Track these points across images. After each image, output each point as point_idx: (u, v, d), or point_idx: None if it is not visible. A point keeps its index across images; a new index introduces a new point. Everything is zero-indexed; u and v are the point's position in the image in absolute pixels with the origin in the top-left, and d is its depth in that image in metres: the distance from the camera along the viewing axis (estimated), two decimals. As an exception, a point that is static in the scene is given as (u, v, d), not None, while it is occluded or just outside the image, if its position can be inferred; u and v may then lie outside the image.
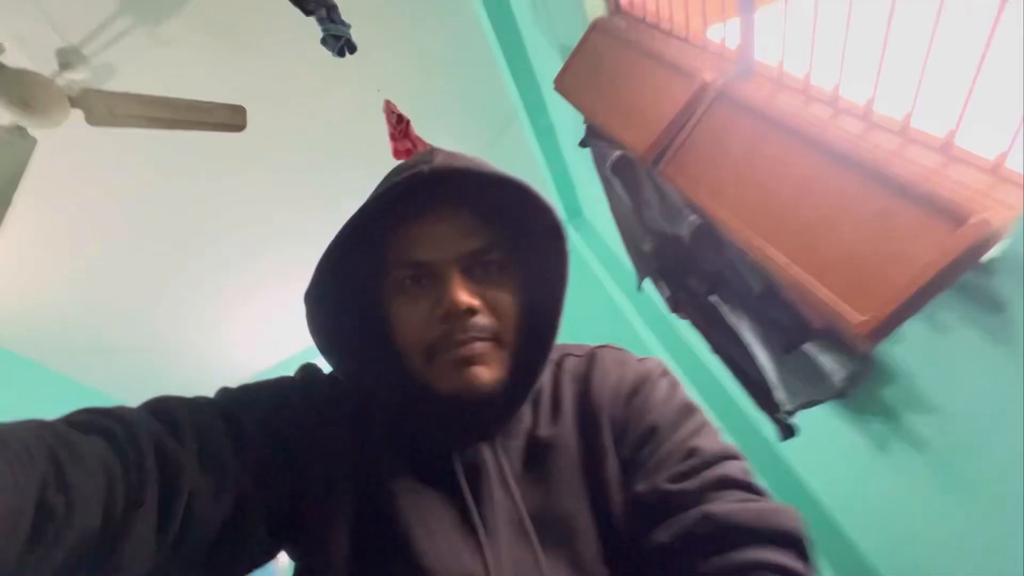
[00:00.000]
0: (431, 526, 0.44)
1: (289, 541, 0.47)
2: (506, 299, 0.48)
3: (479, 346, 0.45)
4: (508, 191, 0.47)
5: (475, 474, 0.47)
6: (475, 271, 0.47)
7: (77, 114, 1.61)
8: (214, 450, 0.41)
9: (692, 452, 0.45)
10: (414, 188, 0.45)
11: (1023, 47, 0.64)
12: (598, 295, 2.70)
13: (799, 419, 1.26)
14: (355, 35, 1.59)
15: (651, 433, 0.47)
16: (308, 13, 1.54)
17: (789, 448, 1.69)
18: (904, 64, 0.82)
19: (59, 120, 1.63)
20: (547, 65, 1.92)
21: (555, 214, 0.49)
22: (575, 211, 2.90)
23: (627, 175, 1.24)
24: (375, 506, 0.46)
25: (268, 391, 0.49)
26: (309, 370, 0.54)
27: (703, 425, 0.48)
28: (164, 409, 0.41)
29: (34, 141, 1.63)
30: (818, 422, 1.30)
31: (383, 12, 1.92)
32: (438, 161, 0.46)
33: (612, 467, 0.47)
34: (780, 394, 1.12)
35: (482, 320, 0.46)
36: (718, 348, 1.33)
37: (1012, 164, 0.74)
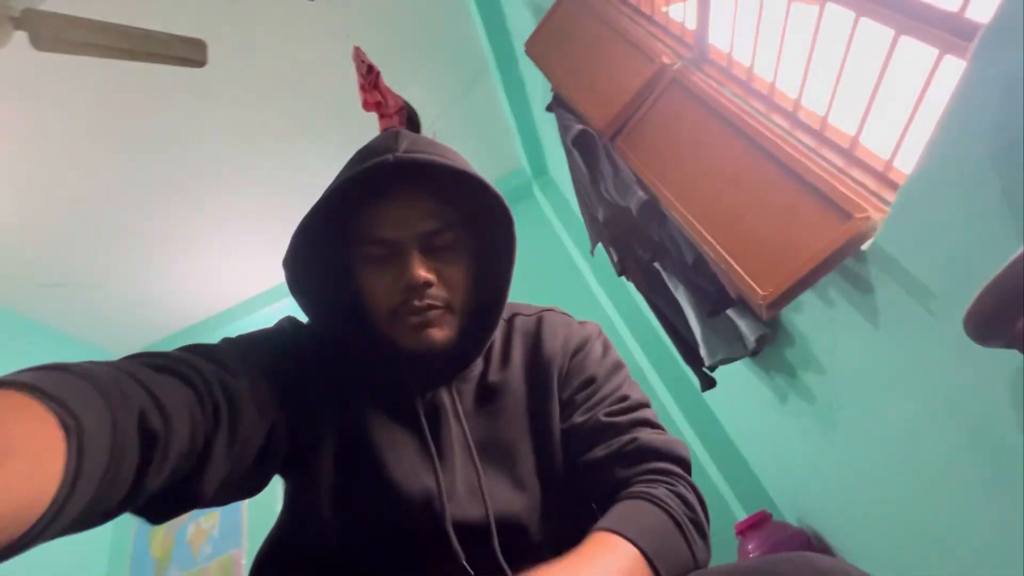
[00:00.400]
0: (398, 452, 0.55)
1: (285, 465, 0.57)
2: (457, 273, 0.57)
3: (432, 313, 0.55)
4: (465, 179, 0.55)
5: (433, 412, 0.58)
6: (431, 248, 0.56)
7: (21, 36, 1.52)
8: (257, 386, 0.49)
9: (624, 398, 0.60)
10: (380, 173, 0.53)
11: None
12: (558, 252, 2.82)
13: (720, 372, 1.46)
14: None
15: (590, 381, 0.61)
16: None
17: (711, 395, 1.93)
18: (830, 67, 0.94)
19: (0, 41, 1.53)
20: (521, 21, 1.93)
21: (504, 203, 0.58)
22: (541, 169, 2.96)
23: (586, 149, 1.33)
24: (354, 436, 0.56)
25: (267, 341, 0.57)
26: (294, 322, 0.63)
27: (629, 378, 0.64)
28: (208, 352, 0.49)
29: (-27, 62, 1.54)
30: (735, 375, 1.51)
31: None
32: (403, 149, 0.53)
33: (554, 406, 0.60)
34: (703, 351, 1.29)
35: (436, 291, 0.55)
36: (657, 308, 1.49)
37: (902, 166, 0.89)
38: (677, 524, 0.48)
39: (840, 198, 0.83)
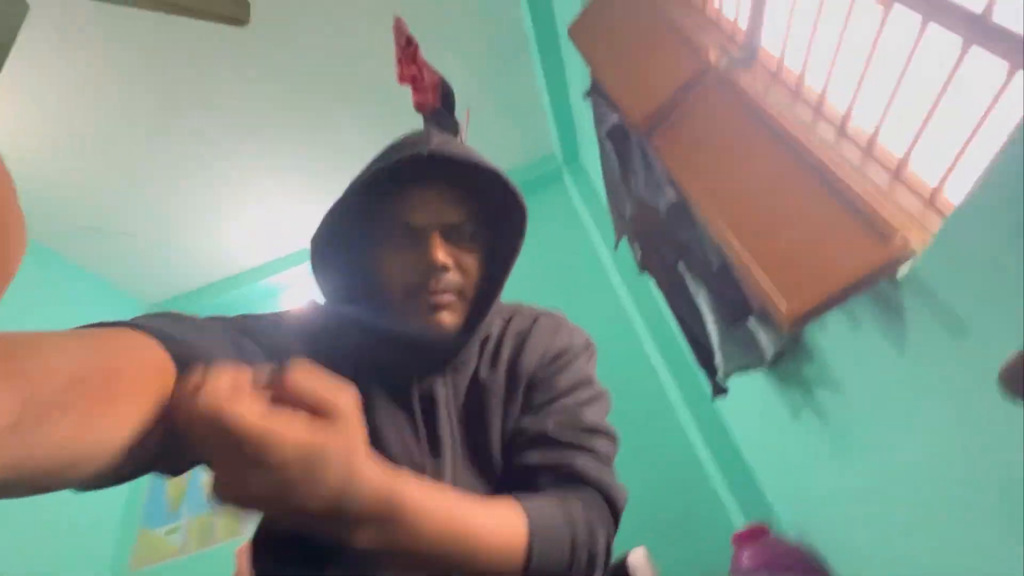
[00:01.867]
0: (397, 431, 0.58)
1: None
2: (472, 263, 0.59)
3: (446, 297, 0.57)
4: (488, 175, 0.58)
5: (428, 403, 0.60)
6: (452, 237, 0.58)
7: (72, -16, 1.54)
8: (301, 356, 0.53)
9: (578, 416, 0.58)
10: (414, 163, 0.55)
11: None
12: (582, 241, 2.80)
13: (734, 378, 1.43)
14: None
15: (551, 389, 0.61)
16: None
17: (722, 400, 1.90)
18: (885, 81, 0.89)
19: (52, -13, 1.56)
20: (567, 2, 1.87)
21: (523, 203, 0.60)
22: (572, 156, 2.91)
23: (620, 142, 1.29)
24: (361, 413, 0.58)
25: (300, 319, 0.60)
26: (315, 306, 0.65)
27: (594, 398, 0.61)
28: (259, 320, 0.54)
29: (26, 7, 1.57)
30: (748, 384, 1.48)
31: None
32: (435, 144, 0.56)
33: (518, 409, 0.61)
34: (719, 358, 1.27)
35: (452, 277, 0.57)
36: (676, 309, 1.47)
37: (950, 194, 0.84)
38: (572, 540, 0.47)
39: (880, 219, 0.79)
